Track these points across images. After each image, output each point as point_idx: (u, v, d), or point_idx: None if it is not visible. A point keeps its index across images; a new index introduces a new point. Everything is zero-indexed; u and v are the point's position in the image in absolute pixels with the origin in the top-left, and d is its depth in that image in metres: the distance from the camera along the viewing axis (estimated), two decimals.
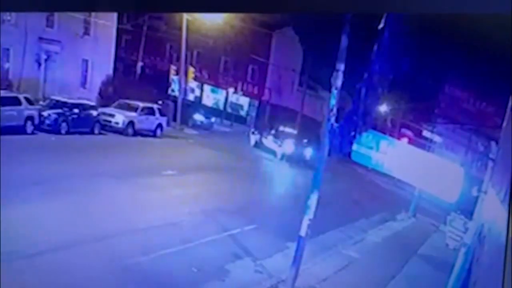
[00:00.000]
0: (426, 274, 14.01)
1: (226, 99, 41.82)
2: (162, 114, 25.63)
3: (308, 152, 26.22)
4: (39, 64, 24.52)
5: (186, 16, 28.60)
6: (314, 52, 36.82)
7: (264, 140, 28.75)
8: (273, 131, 28.62)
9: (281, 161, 26.00)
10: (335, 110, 9.61)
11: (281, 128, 29.11)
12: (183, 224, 12.14)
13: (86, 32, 27.14)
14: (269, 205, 16.33)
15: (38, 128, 18.72)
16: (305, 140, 26.14)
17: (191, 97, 36.22)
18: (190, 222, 12.41)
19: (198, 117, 32.99)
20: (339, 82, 9.52)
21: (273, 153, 26.99)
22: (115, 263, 9.07)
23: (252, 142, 29.79)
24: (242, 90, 41.27)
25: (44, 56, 24.64)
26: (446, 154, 23.59)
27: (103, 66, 28.26)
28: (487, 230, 9.74)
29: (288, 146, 26.48)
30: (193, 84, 34.67)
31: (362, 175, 25.34)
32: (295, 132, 28.92)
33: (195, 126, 31.70)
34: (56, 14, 24.95)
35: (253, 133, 30.45)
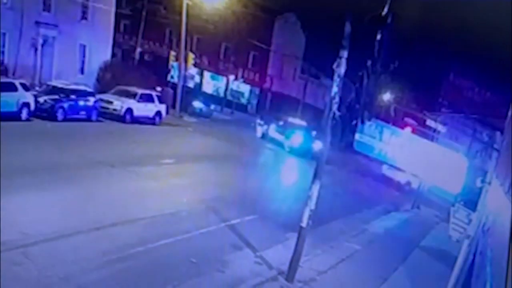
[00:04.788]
0: (428, 266, 13.88)
1: (227, 86, 41.46)
2: (161, 101, 25.32)
3: (317, 145, 25.60)
4: (36, 49, 24.15)
5: (186, 0, 28.11)
6: (316, 39, 36.39)
7: (271, 132, 27.99)
8: (281, 123, 27.73)
9: (289, 153, 25.36)
10: (337, 98, 9.34)
11: (290, 119, 28.08)
12: (182, 214, 11.94)
13: (84, 17, 26.72)
14: (270, 195, 16.14)
15: (34, 114, 18.42)
16: (314, 132, 24.64)
17: (190, 84, 35.83)
18: (189, 212, 12.20)
19: (198, 104, 32.63)
20: (342, 69, 9.23)
21: (281, 145, 26.37)
22: (112, 253, 8.86)
23: (259, 133, 29.02)
24: (243, 77, 40.86)
25: (40, 41, 24.26)
26: (450, 144, 23.40)
27: (101, 52, 27.89)
28: (491, 222, 9.54)
29: (296, 139, 25.63)
30: (193, 70, 34.28)
31: (364, 165, 25.16)
32: (304, 123, 28.18)
33: (194, 113, 31.41)
34: None
35: (259, 124, 29.53)
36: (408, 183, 23.07)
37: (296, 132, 25.87)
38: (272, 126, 28.00)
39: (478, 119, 33.18)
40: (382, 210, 19.80)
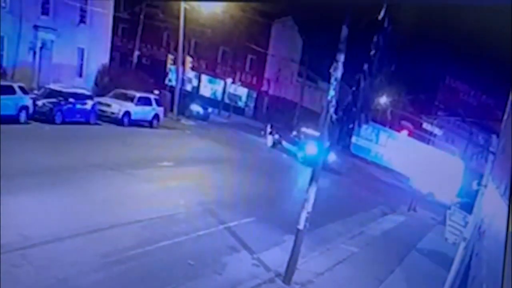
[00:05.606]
0: (425, 268, 13.93)
1: (224, 89, 41.51)
2: (159, 104, 25.35)
3: (332, 157, 23.44)
4: (34, 53, 24.20)
5: (184, 4, 28.22)
6: (313, 43, 36.49)
7: (284, 142, 26.68)
8: (294, 132, 26.45)
9: (302, 164, 24.55)
10: (334, 101, 9.43)
11: (303, 129, 26.46)
12: (180, 216, 11.97)
13: (82, 20, 26.79)
14: (267, 198, 16.17)
15: (32, 117, 18.44)
16: (328, 143, 22.98)
17: (188, 87, 35.86)
18: (186, 214, 12.23)
19: (195, 107, 32.67)
20: (338, 73, 9.33)
21: (294, 155, 25.35)
22: (110, 255, 8.90)
23: (270, 142, 27.69)
24: (240, 80, 40.96)
25: (39, 44, 24.31)
26: (446, 147, 23.40)
27: (99, 55, 27.93)
28: (487, 225, 9.61)
29: (310, 150, 23.23)
30: (190, 74, 34.31)
31: (361, 167, 25.14)
32: (317, 134, 26.76)
33: (192, 116, 31.43)
34: (51, 1, 24.62)
35: (270, 133, 27.96)
36: (431, 195, 22.37)
37: (310, 143, 23.75)
38: (284, 136, 26.79)
39: (474, 122, 33.32)
40: (379, 212, 19.85)
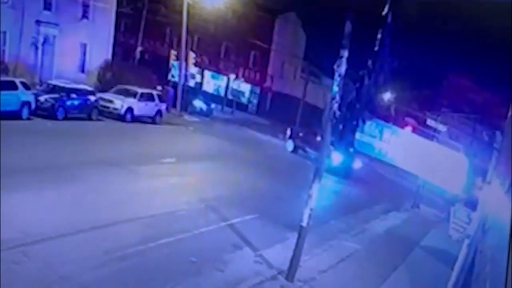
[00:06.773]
0: (429, 265, 13.87)
1: (227, 85, 41.41)
2: (161, 100, 25.30)
3: (357, 164, 23.51)
4: (36, 48, 24.18)
5: (187, 0, 28.09)
6: (317, 38, 36.33)
7: (307, 147, 25.33)
8: (318, 138, 24.10)
9: (328, 172, 23.37)
10: (338, 97, 9.34)
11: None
12: (182, 213, 11.93)
13: (85, 15, 26.74)
14: (270, 195, 16.12)
15: (35, 113, 18.41)
16: (352, 149, 20.24)
17: (191, 83, 35.78)
18: (189, 211, 12.19)
19: (198, 103, 32.60)
20: (342, 69, 9.23)
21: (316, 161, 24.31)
22: (113, 252, 8.87)
23: (290, 147, 26.30)
24: (243, 76, 40.82)
25: (41, 40, 24.29)
26: (450, 144, 23.25)
27: (101, 51, 27.89)
28: (491, 221, 9.56)
29: (336, 157, 21.82)
30: (193, 70, 34.23)
31: (365, 164, 25.03)
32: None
33: (195, 112, 31.37)
34: None
35: (290, 136, 26.58)
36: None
37: (336, 150, 21.34)
38: (307, 140, 25.36)
39: (478, 118, 33.19)
40: (382, 209, 19.77)
